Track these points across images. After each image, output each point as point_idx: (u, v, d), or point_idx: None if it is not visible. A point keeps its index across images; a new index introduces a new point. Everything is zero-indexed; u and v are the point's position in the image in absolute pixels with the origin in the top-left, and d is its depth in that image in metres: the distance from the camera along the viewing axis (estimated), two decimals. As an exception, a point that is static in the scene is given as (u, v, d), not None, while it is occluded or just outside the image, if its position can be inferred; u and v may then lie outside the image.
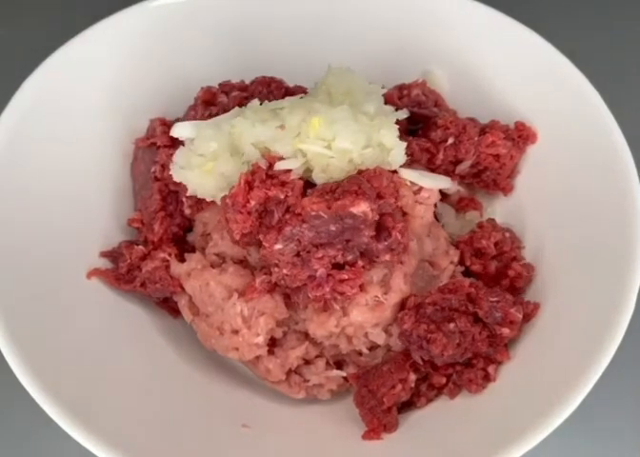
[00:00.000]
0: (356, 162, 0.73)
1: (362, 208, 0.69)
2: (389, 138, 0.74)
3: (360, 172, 0.72)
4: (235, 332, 0.74)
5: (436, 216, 0.82)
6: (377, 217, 0.71)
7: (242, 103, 0.83)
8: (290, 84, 0.86)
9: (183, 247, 0.83)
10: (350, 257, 0.72)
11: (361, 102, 0.76)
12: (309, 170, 0.73)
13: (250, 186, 0.71)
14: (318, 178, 0.73)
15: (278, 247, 0.71)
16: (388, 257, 0.73)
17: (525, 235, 0.82)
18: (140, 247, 0.81)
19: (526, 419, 0.65)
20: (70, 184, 0.82)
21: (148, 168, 0.84)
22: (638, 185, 0.72)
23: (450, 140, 0.80)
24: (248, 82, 0.87)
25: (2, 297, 0.70)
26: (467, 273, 0.81)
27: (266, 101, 0.79)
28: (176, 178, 0.78)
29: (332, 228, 0.71)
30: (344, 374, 0.77)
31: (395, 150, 0.75)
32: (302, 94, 0.82)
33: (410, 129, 0.84)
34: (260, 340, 0.74)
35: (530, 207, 0.83)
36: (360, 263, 0.72)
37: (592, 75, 0.79)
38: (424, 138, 0.82)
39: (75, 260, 0.79)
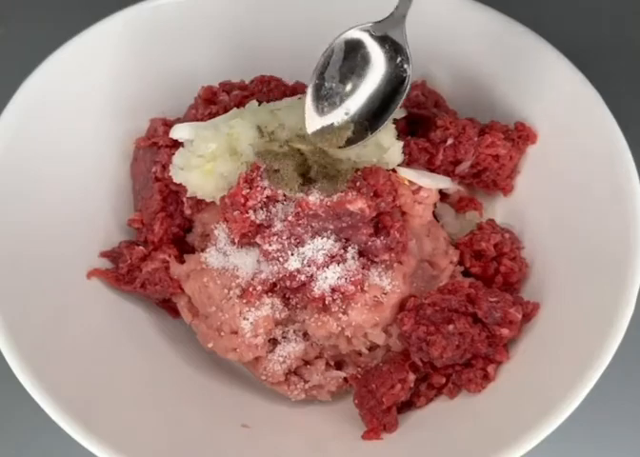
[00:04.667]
0: (353, 161, 0.73)
1: (358, 204, 0.70)
2: (386, 137, 0.75)
3: (357, 171, 0.73)
4: (234, 333, 0.74)
5: (436, 216, 0.83)
6: (375, 213, 0.71)
7: (242, 101, 0.83)
8: (290, 82, 0.87)
9: (182, 247, 0.83)
10: (348, 256, 0.72)
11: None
12: (306, 170, 0.73)
13: (248, 185, 0.71)
14: (316, 177, 0.73)
15: (277, 246, 0.71)
16: (386, 256, 0.73)
17: (524, 235, 0.82)
18: (140, 247, 0.81)
19: (526, 419, 0.65)
20: (69, 183, 0.82)
21: (148, 168, 0.84)
22: (638, 184, 0.72)
23: (450, 140, 0.80)
24: (247, 82, 0.87)
25: (2, 298, 0.70)
26: (466, 272, 0.81)
27: (264, 102, 0.80)
28: (176, 179, 0.78)
29: (331, 226, 0.71)
30: (344, 375, 0.77)
31: (392, 149, 0.75)
32: (301, 94, 0.82)
33: (409, 130, 0.85)
34: (259, 341, 0.74)
35: (529, 207, 0.83)
36: (359, 262, 0.73)
37: (592, 75, 0.79)
38: (423, 138, 0.82)
39: (75, 260, 0.79)
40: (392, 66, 0.71)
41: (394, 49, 0.71)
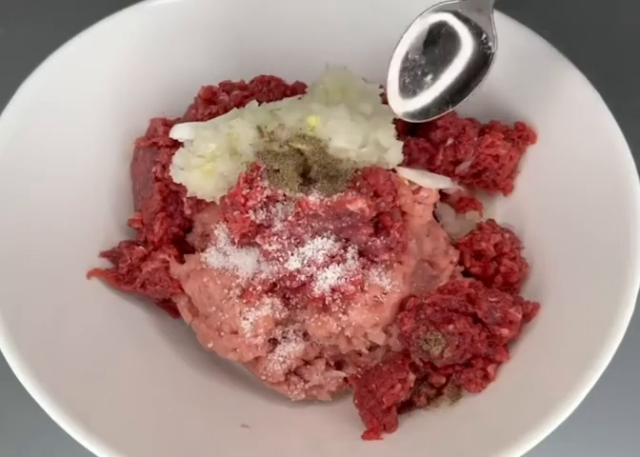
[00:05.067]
0: (353, 161, 0.73)
1: (358, 204, 0.70)
2: (385, 137, 0.74)
3: (357, 171, 0.73)
4: (234, 333, 0.74)
5: (436, 216, 0.83)
6: (375, 213, 0.71)
7: (242, 101, 0.83)
8: (290, 82, 0.87)
9: (182, 247, 0.83)
10: (348, 256, 0.72)
11: (358, 101, 0.76)
12: (306, 170, 0.73)
13: (248, 185, 0.72)
14: (316, 177, 0.73)
15: (276, 246, 0.71)
16: (386, 256, 0.73)
17: (524, 235, 0.82)
18: (140, 247, 0.81)
19: (526, 419, 0.65)
20: (69, 184, 0.82)
21: (148, 168, 0.84)
22: (638, 184, 0.72)
23: (450, 140, 0.80)
24: (247, 82, 0.87)
25: (2, 298, 0.70)
26: (466, 272, 0.81)
27: (264, 102, 0.80)
28: (176, 179, 0.78)
29: (331, 226, 0.71)
30: (344, 375, 0.77)
31: (392, 150, 0.75)
32: (301, 93, 0.82)
33: (409, 130, 0.84)
34: (259, 341, 0.74)
35: (529, 207, 0.83)
36: (359, 262, 0.73)
37: (593, 75, 0.79)
38: (423, 138, 0.82)
39: (75, 260, 0.79)
40: (477, 43, 0.72)
41: (480, 26, 0.71)
